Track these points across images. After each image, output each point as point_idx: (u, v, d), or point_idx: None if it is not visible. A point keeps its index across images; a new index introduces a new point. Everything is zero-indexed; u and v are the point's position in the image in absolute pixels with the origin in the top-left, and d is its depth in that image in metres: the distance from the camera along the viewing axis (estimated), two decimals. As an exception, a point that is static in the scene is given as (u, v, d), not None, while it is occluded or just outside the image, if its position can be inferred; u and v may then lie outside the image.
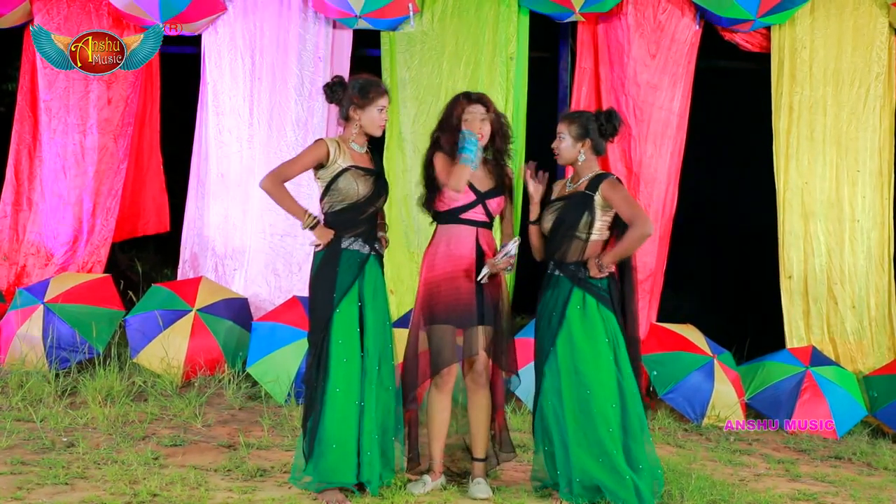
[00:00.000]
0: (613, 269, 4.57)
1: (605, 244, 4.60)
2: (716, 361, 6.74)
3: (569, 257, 4.55)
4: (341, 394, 4.42)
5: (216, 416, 6.01)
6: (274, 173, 4.57)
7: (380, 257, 4.68)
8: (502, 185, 4.74)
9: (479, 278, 4.59)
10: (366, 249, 4.59)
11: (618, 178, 4.65)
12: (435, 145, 4.75)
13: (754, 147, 8.25)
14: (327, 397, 4.43)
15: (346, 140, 4.64)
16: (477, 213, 4.68)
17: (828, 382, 6.70)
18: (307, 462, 4.46)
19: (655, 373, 6.68)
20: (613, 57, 7.48)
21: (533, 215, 4.73)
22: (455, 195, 4.61)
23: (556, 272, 4.59)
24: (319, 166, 4.58)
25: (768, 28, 7.50)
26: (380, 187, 4.64)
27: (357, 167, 4.58)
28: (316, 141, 4.67)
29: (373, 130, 4.63)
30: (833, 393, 6.67)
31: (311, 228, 4.55)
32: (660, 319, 7.42)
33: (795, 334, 7.43)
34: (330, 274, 4.53)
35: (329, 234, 4.55)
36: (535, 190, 4.70)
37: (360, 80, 4.66)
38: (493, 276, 4.63)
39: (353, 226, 4.56)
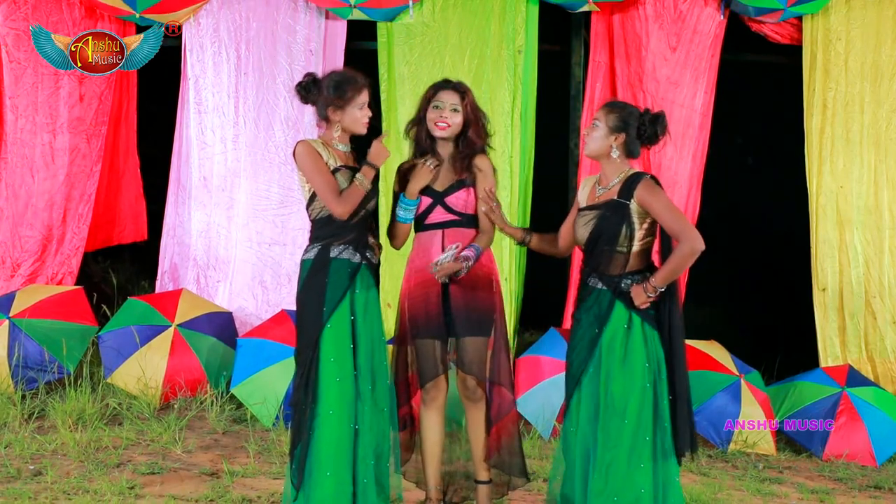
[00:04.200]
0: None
1: (649, 251, 4.43)
2: (743, 381, 6.71)
3: (611, 271, 4.38)
4: (335, 416, 4.40)
5: (198, 442, 5.99)
6: (333, 199, 4.47)
7: (372, 267, 4.65)
8: (465, 179, 4.70)
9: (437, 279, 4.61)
10: (357, 258, 4.56)
11: (654, 178, 4.41)
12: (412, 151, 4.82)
13: (784, 148, 8.25)
14: (319, 421, 4.40)
15: (330, 142, 4.62)
16: (439, 215, 4.69)
17: (866, 405, 6.67)
18: (297, 492, 4.43)
19: (676, 394, 6.64)
20: (630, 50, 7.47)
21: (516, 237, 4.68)
22: (420, 206, 4.70)
23: (597, 284, 4.41)
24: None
25: (799, 18, 7.47)
26: (370, 190, 4.60)
27: (346, 167, 4.57)
28: (301, 147, 4.55)
29: (357, 130, 4.60)
30: (872, 416, 6.64)
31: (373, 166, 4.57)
32: (681, 336, 7.38)
33: (830, 352, 7.39)
34: (319, 285, 4.50)
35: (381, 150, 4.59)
36: (493, 214, 4.62)
37: (334, 77, 4.61)
38: (456, 275, 4.60)
39: (343, 232, 4.54)
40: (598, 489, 4.27)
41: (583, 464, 4.35)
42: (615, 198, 4.37)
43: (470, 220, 4.70)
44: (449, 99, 4.67)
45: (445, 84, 4.74)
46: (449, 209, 4.67)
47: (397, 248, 4.82)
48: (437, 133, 4.67)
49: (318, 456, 4.38)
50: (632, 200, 4.33)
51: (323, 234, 4.55)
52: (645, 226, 4.36)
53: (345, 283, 4.51)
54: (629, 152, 4.43)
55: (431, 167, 4.65)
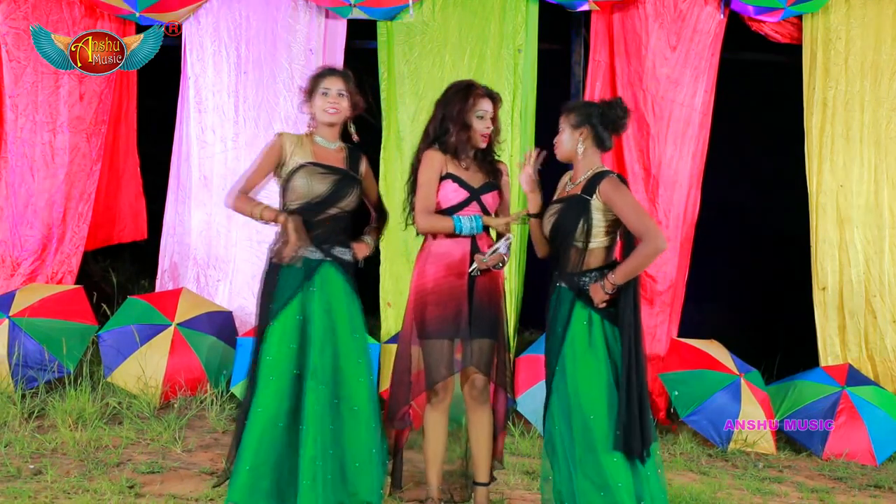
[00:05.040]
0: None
1: (609, 249, 4.44)
2: (742, 381, 6.71)
3: (570, 267, 4.40)
4: (262, 413, 4.44)
5: (197, 441, 5.98)
6: (234, 189, 4.66)
7: (342, 264, 4.62)
8: (496, 180, 4.76)
9: (469, 271, 4.60)
10: (317, 255, 4.56)
11: (620, 177, 4.45)
12: (429, 141, 4.75)
13: (784, 147, 8.23)
14: (250, 416, 4.45)
15: (312, 135, 4.68)
16: (472, 211, 4.69)
17: (866, 404, 6.67)
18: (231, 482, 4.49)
19: (676, 393, 6.65)
20: (630, 49, 7.46)
21: (531, 207, 4.57)
22: (448, 192, 4.66)
23: (559, 283, 4.44)
24: (279, 164, 4.62)
25: (799, 17, 7.48)
26: (342, 188, 4.61)
27: (316, 164, 4.59)
28: (274, 136, 4.70)
29: (322, 118, 4.67)
30: (872, 415, 6.64)
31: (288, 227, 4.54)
32: (681, 334, 7.39)
33: (830, 351, 7.39)
34: (271, 281, 4.56)
35: (301, 236, 4.51)
36: (526, 180, 4.54)
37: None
38: (485, 272, 4.63)
39: (308, 228, 4.55)
40: (582, 488, 4.26)
41: (565, 461, 4.35)
42: (578, 193, 4.41)
43: None
44: (489, 108, 4.73)
45: (486, 92, 4.76)
46: (483, 207, 4.70)
47: (420, 234, 4.79)
48: (482, 145, 4.73)
49: (243, 449, 4.44)
50: (594, 196, 4.36)
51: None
52: (606, 224, 4.38)
53: (298, 281, 4.52)
54: (599, 144, 4.47)
55: (518, 221, 4.69)
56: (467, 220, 4.63)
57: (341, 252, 4.63)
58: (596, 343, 4.33)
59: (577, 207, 4.38)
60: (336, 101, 4.64)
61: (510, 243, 4.61)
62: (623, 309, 4.33)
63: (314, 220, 4.56)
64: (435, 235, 4.72)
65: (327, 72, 4.73)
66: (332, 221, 4.61)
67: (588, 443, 4.27)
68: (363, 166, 4.81)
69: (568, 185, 4.52)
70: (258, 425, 4.44)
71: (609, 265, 4.40)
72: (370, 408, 4.59)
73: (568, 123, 4.48)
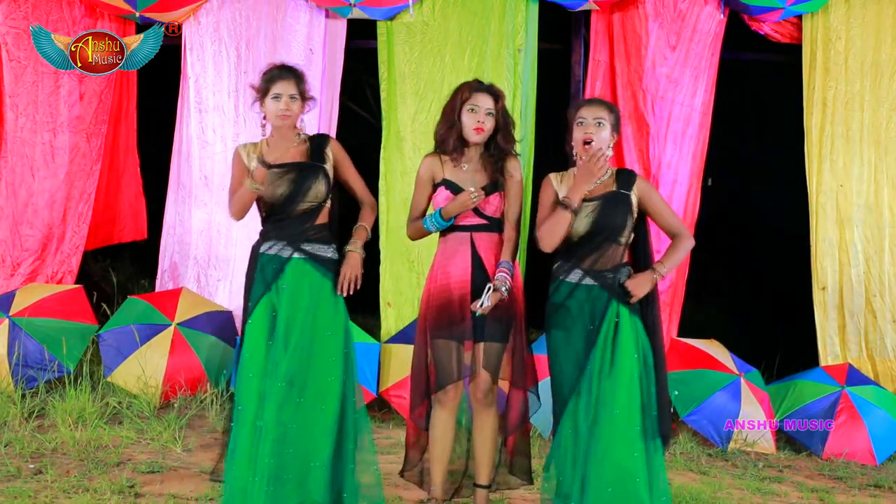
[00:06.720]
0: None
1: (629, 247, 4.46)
2: (742, 380, 6.71)
3: (607, 264, 4.37)
4: (243, 412, 4.39)
5: (198, 440, 5.98)
6: (228, 203, 4.59)
7: (316, 259, 4.50)
8: (498, 183, 4.62)
9: (474, 312, 4.49)
10: (286, 253, 4.49)
11: None
12: (434, 146, 4.73)
13: (784, 147, 8.24)
14: (234, 416, 4.43)
15: (268, 138, 4.61)
16: (468, 218, 4.60)
17: (866, 403, 6.66)
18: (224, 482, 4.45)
19: (676, 393, 6.64)
20: (630, 49, 7.46)
21: (576, 201, 4.33)
22: (441, 201, 4.60)
23: (587, 281, 4.38)
24: (247, 175, 4.53)
25: (799, 17, 7.48)
26: (303, 181, 4.48)
27: (270, 166, 4.47)
28: (234, 152, 4.64)
29: (273, 122, 4.54)
30: (872, 415, 6.64)
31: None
32: (681, 334, 7.38)
33: (830, 351, 7.39)
34: (249, 280, 4.55)
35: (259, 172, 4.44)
36: (603, 164, 4.34)
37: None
38: (501, 300, 4.55)
39: (277, 228, 4.51)
40: (595, 484, 4.24)
41: (582, 457, 4.31)
42: (615, 189, 4.39)
43: (497, 224, 4.63)
44: (484, 102, 4.58)
45: (480, 86, 4.63)
46: (479, 213, 4.60)
47: (413, 240, 4.82)
48: (475, 139, 4.58)
49: (231, 449, 4.40)
50: (632, 192, 4.39)
51: (263, 230, 4.58)
52: (636, 220, 4.42)
53: (268, 279, 4.48)
54: None
55: (475, 200, 4.53)
56: (428, 219, 4.61)
57: (313, 248, 4.52)
58: (624, 339, 4.32)
59: (622, 204, 4.38)
60: (287, 107, 4.50)
61: (490, 294, 4.45)
62: (651, 301, 4.41)
63: (286, 218, 4.49)
64: (442, 243, 4.69)
65: (277, 74, 4.56)
66: (303, 216, 4.51)
67: (613, 438, 4.25)
68: (330, 151, 4.63)
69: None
70: (240, 424, 4.39)
71: (631, 262, 4.45)
72: (336, 408, 4.46)
73: (610, 123, 4.41)
